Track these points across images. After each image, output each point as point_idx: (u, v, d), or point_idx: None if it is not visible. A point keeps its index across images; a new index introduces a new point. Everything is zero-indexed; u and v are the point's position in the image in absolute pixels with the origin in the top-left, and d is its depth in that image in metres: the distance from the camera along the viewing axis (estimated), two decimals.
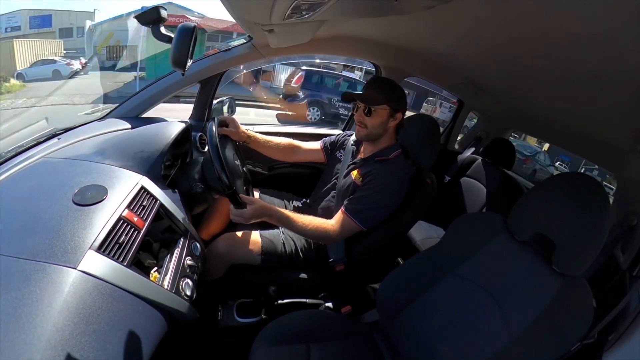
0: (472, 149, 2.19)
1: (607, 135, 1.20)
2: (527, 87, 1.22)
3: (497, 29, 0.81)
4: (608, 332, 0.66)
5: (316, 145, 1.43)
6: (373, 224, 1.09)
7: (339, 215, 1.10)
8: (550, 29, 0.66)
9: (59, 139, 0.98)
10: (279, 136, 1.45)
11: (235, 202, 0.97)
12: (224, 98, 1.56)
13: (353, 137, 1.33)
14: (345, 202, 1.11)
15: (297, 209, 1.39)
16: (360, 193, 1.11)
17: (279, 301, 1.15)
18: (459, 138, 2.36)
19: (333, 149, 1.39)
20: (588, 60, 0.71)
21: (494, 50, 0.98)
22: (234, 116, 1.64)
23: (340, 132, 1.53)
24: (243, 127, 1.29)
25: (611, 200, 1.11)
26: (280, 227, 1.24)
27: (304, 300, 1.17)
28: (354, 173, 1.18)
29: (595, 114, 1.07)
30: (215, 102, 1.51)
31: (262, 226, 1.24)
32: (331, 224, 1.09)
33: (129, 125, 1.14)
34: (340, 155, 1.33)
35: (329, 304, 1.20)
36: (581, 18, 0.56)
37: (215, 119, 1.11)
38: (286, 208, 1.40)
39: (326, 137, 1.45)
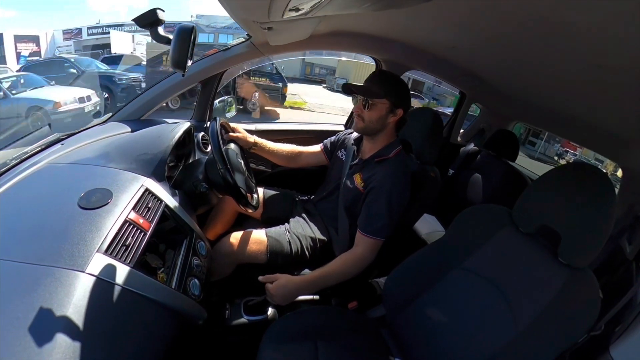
0: (472, 144, 2.17)
1: (612, 124, 1.19)
2: (530, 78, 1.21)
3: (497, 19, 0.80)
4: (615, 324, 0.66)
5: (317, 148, 1.43)
6: (393, 232, 1.10)
7: (363, 241, 1.09)
8: (551, 17, 0.65)
9: (62, 144, 0.99)
10: (281, 134, 1.45)
11: (238, 198, 0.95)
12: (225, 97, 1.56)
13: (354, 135, 1.32)
14: (360, 223, 1.10)
15: (302, 204, 1.39)
16: (370, 211, 1.09)
17: None
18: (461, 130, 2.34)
19: (334, 149, 1.38)
20: (591, 49, 0.69)
21: (495, 41, 0.97)
22: (233, 114, 1.64)
23: (341, 130, 1.52)
24: (247, 134, 1.30)
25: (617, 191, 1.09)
26: (285, 226, 1.24)
27: (310, 297, 1.18)
28: (357, 178, 1.16)
29: (599, 104, 1.05)
30: (216, 102, 1.52)
31: (268, 225, 1.25)
32: (359, 252, 1.08)
33: (131, 128, 1.14)
34: (342, 155, 1.32)
35: (335, 300, 1.21)
36: (583, 5, 0.55)
37: (217, 119, 1.12)
38: (290, 205, 1.40)
39: (327, 137, 1.44)
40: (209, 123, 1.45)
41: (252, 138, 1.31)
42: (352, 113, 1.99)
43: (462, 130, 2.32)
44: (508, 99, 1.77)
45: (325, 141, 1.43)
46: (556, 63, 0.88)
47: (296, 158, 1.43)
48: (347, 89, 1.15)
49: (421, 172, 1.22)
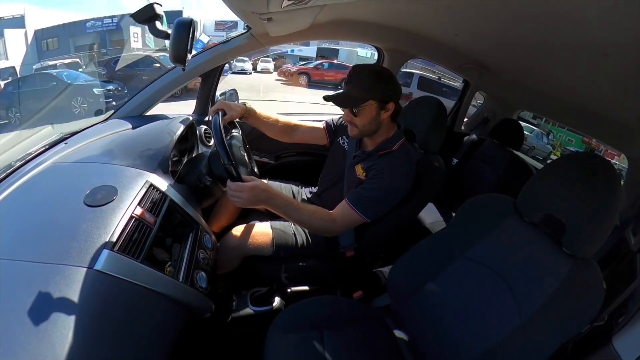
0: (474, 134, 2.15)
1: (618, 114, 1.17)
2: (534, 66, 1.18)
3: (501, 6, 0.78)
4: (618, 315, 0.66)
5: (318, 124, 1.35)
6: (376, 217, 1.07)
7: (341, 206, 1.07)
8: (557, 4, 0.63)
9: (65, 143, 0.99)
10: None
11: (237, 179, 0.93)
12: (227, 90, 1.55)
13: None
14: (349, 193, 1.08)
15: (306, 195, 1.39)
16: (365, 186, 1.07)
17: (292, 288, 1.17)
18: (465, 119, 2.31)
19: (337, 131, 1.33)
20: (597, 37, 0.68)
21: (498, 28, 0.95)
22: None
23: None
24: (232, 103, 1.18)
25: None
26: None
27: (316, 287, 1.20)
28: (358, 168, 1.14)
29: (606, 93, 1.03)
30: (218, 94, 1.51)
31: (273, 217, 1.25)
32: (335, 214, 1.06)
33: (133, 125, 1.15)
34: (344, 143, 1.28)
35: (341, 290, 1.22)
36: None
37: (219, 112, 1.11)
38: (295, 197, 1.39)
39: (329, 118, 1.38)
40: (210, 117, 1.45)
41: (244, 106, 1.20)
42: None
43: (465, 119, 2.29)
44: (512, 87, 1.75)
45: (328, 120, 1.35)
46: (561, 51, 0.87)
47: (292, 130, 1.34)
48: (328, 101, 1.06)
49: (425, 161, 1.21)
